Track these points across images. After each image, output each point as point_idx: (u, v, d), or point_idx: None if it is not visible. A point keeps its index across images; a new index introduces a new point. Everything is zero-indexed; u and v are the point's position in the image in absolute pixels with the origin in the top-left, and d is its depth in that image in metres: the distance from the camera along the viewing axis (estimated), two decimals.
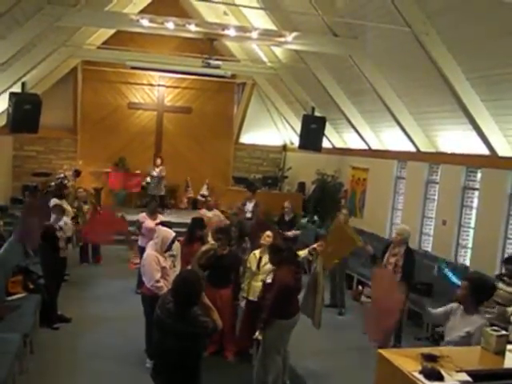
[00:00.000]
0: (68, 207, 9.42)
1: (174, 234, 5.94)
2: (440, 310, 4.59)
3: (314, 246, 6.12)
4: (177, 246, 6.31)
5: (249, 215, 10.89)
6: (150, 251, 5.80)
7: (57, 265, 7.22)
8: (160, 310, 3.83)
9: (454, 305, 4.45)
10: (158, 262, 5.73)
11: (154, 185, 13.90)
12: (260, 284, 6.03)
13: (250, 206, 10.99)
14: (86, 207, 10.19)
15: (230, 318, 6.54)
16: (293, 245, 8.54)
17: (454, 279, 7.14)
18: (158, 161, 14.08)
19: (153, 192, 13.77)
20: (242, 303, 6.62)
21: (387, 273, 6.28)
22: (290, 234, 9.81)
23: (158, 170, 13.89)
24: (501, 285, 6.07)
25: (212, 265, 6.41)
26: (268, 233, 6.40)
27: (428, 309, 4.76)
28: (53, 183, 13.59)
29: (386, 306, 5.12)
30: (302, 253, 6.09)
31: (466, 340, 4.13)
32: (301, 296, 5.84)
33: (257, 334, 5.39)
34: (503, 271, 6.64)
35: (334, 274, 8.94)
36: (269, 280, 5.63)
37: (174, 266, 6.30)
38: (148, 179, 14.44)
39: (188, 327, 3.69)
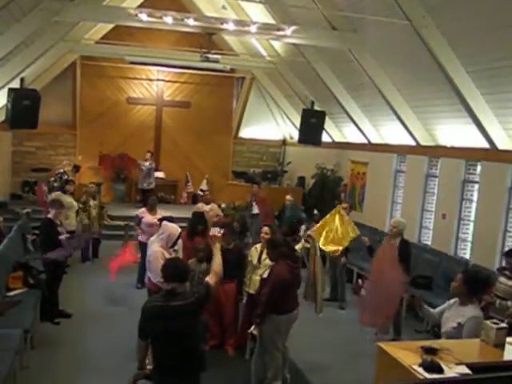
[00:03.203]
0: (73, 202, 9.42)
1: (179, 230, 5.95)
2: (438, 309, 4.63)
3: (309, 232, 6.11)
4: (179, 241, 6.30)
5: (256, 211, 10.83)
6: (156, 247, 5.78)
7: (58, 260, 7.20)
8: (150, 307, 3.93)
9: (452, 301, 4.51)
10: (164, 258, 5.73)
11: (143, 177, 13.82)
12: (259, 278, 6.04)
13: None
14: (93, 202, 10.21)
15: (233, 312, 6.57)
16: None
17: None
18: (148, 155, 14.01)
19: (142, 186, 13.72)
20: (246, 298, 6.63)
21: (389, 250, 6.25)
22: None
23: (147, 163, 13.81)
24: (502, 278, 6.06)
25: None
26: (265, 229, 6.38)
27: (425, 306, 4.77)
28: (52, 179, 13.61)
29: (385, 289, 5.14)
30: (301, 245, 6.08)
31: (458, 330, 4.19)
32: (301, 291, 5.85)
33: (252, 328, 5.38)
34: (504, 264, 6.63)
35: (334, 267, 8.95)
36: (265, 275, 5.63)
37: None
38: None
39: (183, 300, 3.81)
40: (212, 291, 4.06)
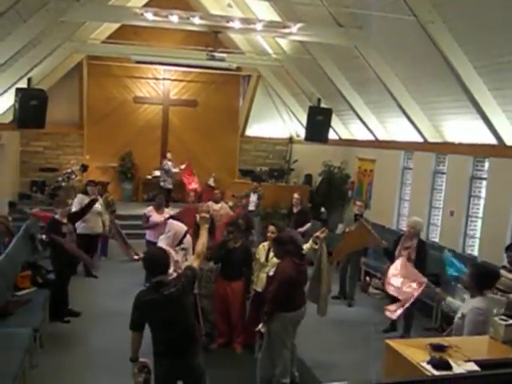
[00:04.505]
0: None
1: (185, 228, 5.99)
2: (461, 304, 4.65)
3: (317, 233, 6.05)
4: (188, 239, 6.31)
5: (252, 208, 10.83)
6: (163, 246, 5.81)
7: (66, 259, 7.24)
8: (146, 301, 4.05)
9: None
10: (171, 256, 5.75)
11: (169, 178, 13.92)
12: None
13: (254, 197, 10.95)
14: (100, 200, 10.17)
15: (241, 310, 6.57)
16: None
17: (457, 266, 7.12)
18: (169, 154, 14.12)
19: (167, 186, 13.80)
20: None
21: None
22: (301, 229, 9.09)
23: (170, 163, 13.92)
24: (503, 272, 6.05)
25: (222, 256, 6.43)
26: (271, 228, 6.37)
27: (448, 298, 4.87)
28: (60, 178, 13.67)
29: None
30: (308, 245, 6.05)
31: (461, 322, 4.20)
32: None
33: (260, 326, 5.39)
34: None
35: (345, 265, 8.91)
36: (271, 273, 5.62)
37: (186, 260, 6.31)
38: (157, 173, 14.50)
39: (174, 287, 4.01)
40: (197, 273, 4.28)
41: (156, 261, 4.15)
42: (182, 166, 14.28)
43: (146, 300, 4.04)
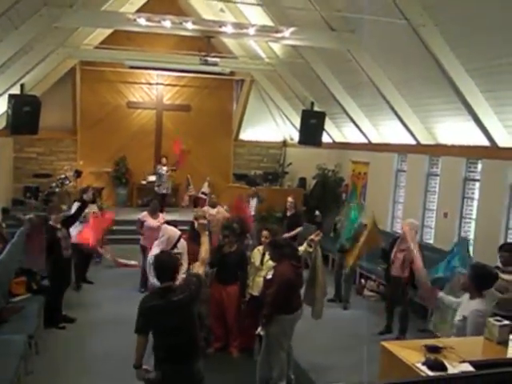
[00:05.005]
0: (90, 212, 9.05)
1: (179, 233, 6.01)
2: (457, 300, 4.70)
3: (312, 236, 6.06)
4: (183, 244, 6.31)
5: (252, 212, 10.82)
6: (157, 250, 5.82)
7: (60, 265, 7.22)
8: (151, 306, 4.03)
9: (466, 295, 4.55)
10: None
11: (163, 183, 13.91)
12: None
13: (253, 202, 10.96)
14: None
15: (236, 314, 6.57)
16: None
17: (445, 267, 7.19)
18: (164, 160, 14.11)
19: (162, 191, 13.78)
20: None
21: None
22: (287, 235, 8.97)
23: (165, 168, 13.91)
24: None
25: (217, 261, 6.44)
26: (265, 233, 6.38)
27: (441, 294, 4.91)
28: (54, 184, 13.63)
29: None
30: (303, 248, 6.07)
31: (463, 324, 4.24)
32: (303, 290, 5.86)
33: (259, 329, 5.40)
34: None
35: (340, 267, 8.94)
36: (269, 276, 5.63)
37: (181, 264, 6.31)
38: (152, 178, 14.46)
39: (182, 294, 4.02)
40: (202, 279, 4.31)
41: (166, 266, 4.14)
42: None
43: (150, 306, 4.02)
